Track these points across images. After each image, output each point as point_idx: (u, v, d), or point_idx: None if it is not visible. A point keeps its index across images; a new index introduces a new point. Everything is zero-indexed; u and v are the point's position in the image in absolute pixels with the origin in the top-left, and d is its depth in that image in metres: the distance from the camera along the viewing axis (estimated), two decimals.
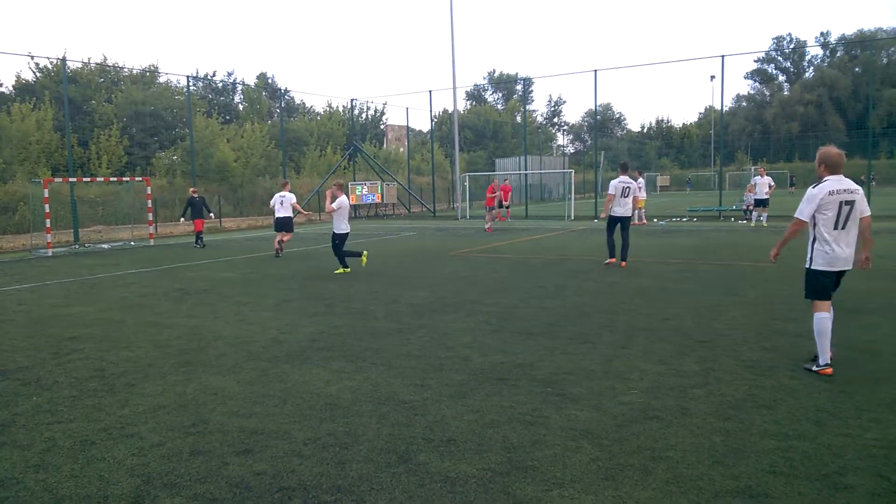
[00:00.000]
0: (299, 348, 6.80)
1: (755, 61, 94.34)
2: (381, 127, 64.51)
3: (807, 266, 5.77)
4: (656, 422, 4.49)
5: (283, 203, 16.10)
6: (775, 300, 8.77)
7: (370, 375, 5.74)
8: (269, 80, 73.46)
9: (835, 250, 5.53)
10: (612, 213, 12.51)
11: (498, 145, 73.22)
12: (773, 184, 23.07)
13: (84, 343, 7.26)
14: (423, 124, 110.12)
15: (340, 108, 60.64)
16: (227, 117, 59.08)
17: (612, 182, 12.53)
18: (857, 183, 5.79)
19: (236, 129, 46.31)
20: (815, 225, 5.65)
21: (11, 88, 41.03)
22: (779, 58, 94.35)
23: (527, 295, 9.70)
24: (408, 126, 45.44)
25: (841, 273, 5.71)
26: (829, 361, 5.47)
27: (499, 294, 9.83)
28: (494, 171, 52.02)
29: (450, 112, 67.59)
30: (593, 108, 33.57)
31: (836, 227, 5.52)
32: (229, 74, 74.76)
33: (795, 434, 4.19)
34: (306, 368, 6.03)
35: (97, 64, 43.29)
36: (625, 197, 12.47)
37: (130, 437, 4.42)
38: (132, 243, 21.49)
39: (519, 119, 78.92)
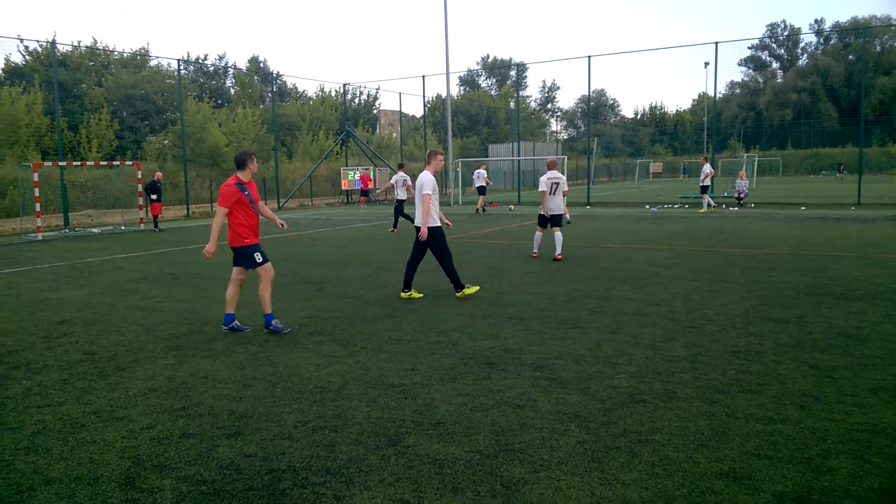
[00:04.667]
0: (290, 332, 6.81)
1: (749, 48, 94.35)
2: (374, 112, 64.26)
3: None
4: (643, 405, 4.53)
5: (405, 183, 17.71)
6: (763, 286, 8.84)
7: (361, 359, 5.77)
8: (261, 64, 72.92)
9: None
10: (542, 212, 11.91)
11: (491, 131, 73.06)
12: (711, 171, 24.37)
13: (74, 327, 7.26)
14: (415, 109, 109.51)
15: (333, 93, 60.33)
16: (219, 101, 58.70)
17: (542, 178, 11.87)
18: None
19: (228, 113, 46.06)
20: None
21: (1, 72, 40.60)
22: (773, 45, 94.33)
23: (518, 280, 9.74)
24: (401, 111, 45.28)
25: None
26: None
27: (490, 279, 9.87)
28: (487, 156, 51.94)
29: (443, 97, 67.40)
30: (587, 94, 33.53)
31: None
32: (221, 58, 74.16)
33: (780, 418, 4.25)
34: (297, 352, 6.05)
35: (87, 47, 42.89)
36: (553, 194, 11.82)
37: (121, 420, 4.43)
38: (122, 227, 21.39)
39: (512, 105, 78.70)
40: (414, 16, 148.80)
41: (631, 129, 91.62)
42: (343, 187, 36.30)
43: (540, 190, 11.79)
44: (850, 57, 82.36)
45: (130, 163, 23.55)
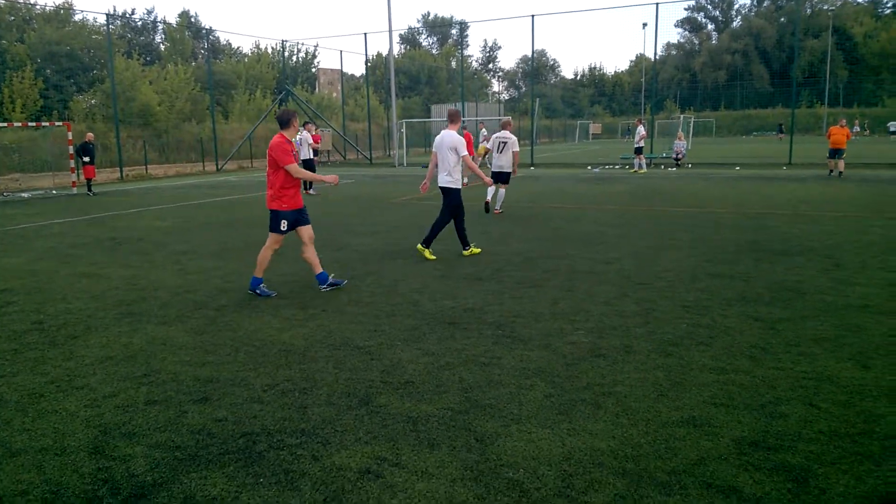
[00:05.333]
0: (246, 297, 6.73)
1: (685, 9, 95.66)
2: (313, 70, 62.73)
3: None
4: (603, 360, 4.70)
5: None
6: (706, 244, 9.17)
7: (323, 322, 5.76)
8: (193, 19, 69.98)
9: None
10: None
11: (433, 91, 72.45)
12: (644, 133, 25.04)
13: (17, 296, 6.97)
14: (356, 68, 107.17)
15: (270, 50, 58.53)
16: (149, 58, 56.20)
17: (492, 136, 12.43)
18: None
19: (158, 70, 44.19)
20: None
21: None
22: (708, 6, 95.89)
23: (471, 241, 9.80)
24: (342, 70, 44.37)
25: None
26: None
27: (443, 241, 9.90)
28: (430, 117, 51.58)
29: (384, 56, 66.22)
30: (529, 54, 33.57)
31: None
32: (149, 12, 70.80)
33: (732, 368, 4.47)
34: (256, 316, 5.99)
35: (6, 1, 40.22)
36: (500, 152, 12.25)
37: (80, 389, 4.33)
38: (54, 192, 20.48)
39: (454, 64, 78.10)
40: None
41: (571, 90, 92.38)
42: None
43: (487, 146, 12.01)
44: (782, 19, 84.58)
45: (60, 123, 22.42)
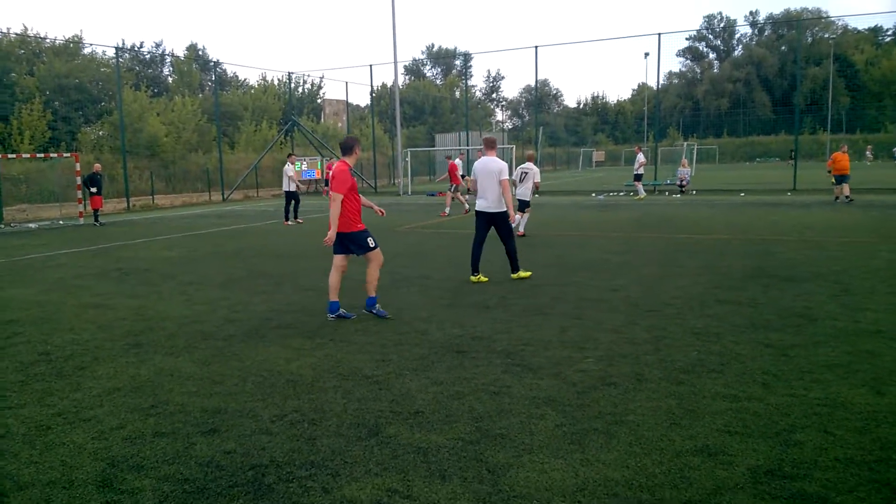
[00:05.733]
0: (253, 327, 6.71)
1: (687, 39, 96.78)
2: (319, 101, 63.36)
3: None
4: (614, 388, 4.65)
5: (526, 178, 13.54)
6: (713, 270, 9.14)
7: (330, 352, 5.73)
8: (200, 52, 71.05)
9: None
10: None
11: (437, 120, 73.05)
12: (644, 160, 25.34)
13: (24, 326, 6.97)
14: (361, 99, 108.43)
15: (276, 82, 59.23)
16: (157, 90, 56.93)
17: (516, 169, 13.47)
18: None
19: (166, 102, 44.70)
20: None
21: None
22: (710, 36, 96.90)
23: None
24: (347, 101, 44.81)
25: None
26: None
27: (450, 268, 9.91)
28: (435, 146, 51.91)
29: (389, 86, 66.92)
30: (532, 83, 33.88)
31: None
32: (157, 45, 71.95)
33: (745, 395, 4.42)
34: (263, 346, 5.97)
35: (17, 35, 40.99)
36: (522, 182, 13.21)
37: (88, 421, 4.30)
38: (61, 222, 20.59)
39: (458, 94, 78.83)
40: (358, 2, 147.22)
41: (574, 118, 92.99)
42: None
43: (511, 178, 12.31)
44: (783, 48, 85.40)
45: (68, 154, 22.64)
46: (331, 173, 6.80)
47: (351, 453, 3.73)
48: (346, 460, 3.65)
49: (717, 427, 3.93)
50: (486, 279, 8.87)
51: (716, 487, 3.24)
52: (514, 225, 10.08)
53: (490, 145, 8.74)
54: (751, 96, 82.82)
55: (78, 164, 20.62)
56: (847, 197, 20.22)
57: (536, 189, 13.49)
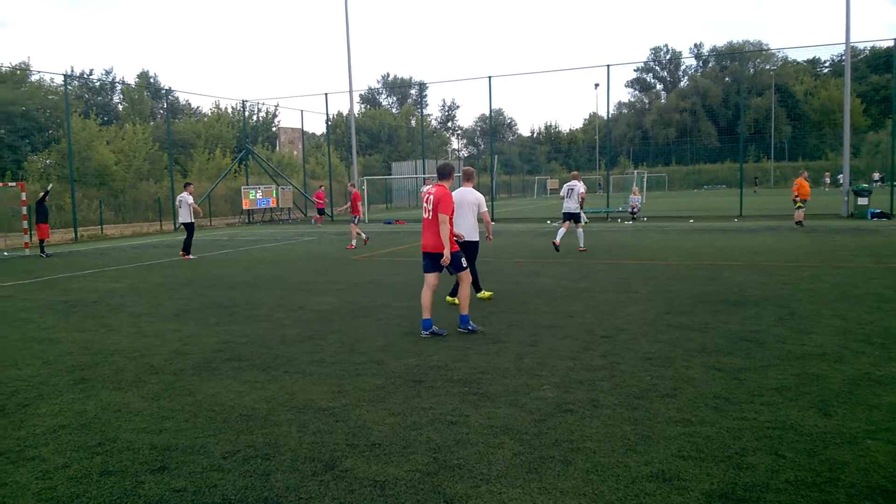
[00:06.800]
0: (205, 360, 6.56)
1: (635, 70, 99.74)
2: (274, 129, 63.05)
3: None
4: (570, 415, 4.68)
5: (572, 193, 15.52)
6: (665, 295, 9.32)
7: (284, 384, 5.63)
8: (152, 79, 70.15)
9: None
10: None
11: (393, 148, 73.35)
12: (584, 188, 25.57)
13: None
14: (317, 127, 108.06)
15: (230, 110, 58.79)
16: (106, 118, 55.86)
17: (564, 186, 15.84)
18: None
19: (116, 130, 43.90)
20: None
21: None
22: (656, 67, 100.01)
23: (434, 297, 9.77)
24: (302, 129, 44.66)
25: None
26: None
27: (406, 297, 9.88)
28: (391, 174, 52.06)
29: (345, 115, 67.01)
30: (487, 113, 34.38)
31: None
32: (108, 73, 70.77)
33: (698, 420, 4.50)
34: (215, 380, 5.83)
35: None
36: (568, 197, 15.43)
37: (31, 460, 4.12)
38: (6, 253, 19.88)
39: (414, 123, 79.37)
40: (313, 32, 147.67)
41: (528, 147, 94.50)
42: (244, 206, 35.23)
43: (560, 195, 15.79)
44: (727, 79, 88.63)
45: (14, 184, 21.95)
46: (432, 198, 7.16)
47: (306, 489, 3.65)
48: (301, 496, 3.57)
49: (671, 452, 3.98)
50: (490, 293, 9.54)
51: None
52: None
53: (468, 177, 8.94)
54: (697, 126, 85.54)
55: (24, 194, 19.99)
56: (798, 223, 20.96)
57: (582, 200, 15.57)
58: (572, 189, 15.42)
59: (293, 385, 5.59)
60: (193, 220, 17.23)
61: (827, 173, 61.63)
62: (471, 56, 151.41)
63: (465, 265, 7.38)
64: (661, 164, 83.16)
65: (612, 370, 5.75)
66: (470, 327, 7.39)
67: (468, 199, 8.70)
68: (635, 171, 53.84)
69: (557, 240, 14.96)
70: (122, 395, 5.45)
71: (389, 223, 30.40)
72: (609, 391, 5.17)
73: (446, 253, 7.07)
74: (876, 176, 55.62)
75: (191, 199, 17.11)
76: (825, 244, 15.60)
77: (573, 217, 15.36)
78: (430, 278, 7.32)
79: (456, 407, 4.91)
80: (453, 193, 8.87)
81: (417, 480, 3.71)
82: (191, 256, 16.91)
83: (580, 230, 15.80)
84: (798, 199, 21.19)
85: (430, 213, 7.15)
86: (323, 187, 33.47)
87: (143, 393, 5.50)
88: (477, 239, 8.83)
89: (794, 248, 14.95)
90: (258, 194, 35.24)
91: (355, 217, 18.52)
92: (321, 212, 31.99)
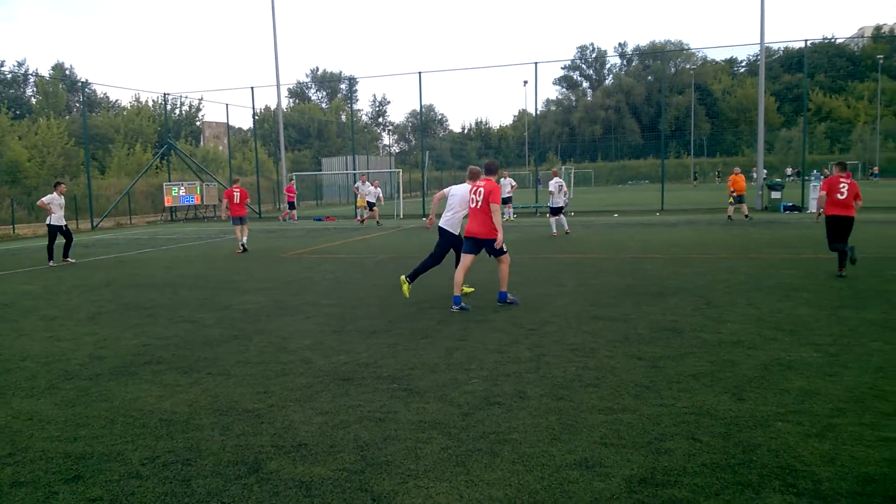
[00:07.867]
0: (123, 363, 6.31)
1: (562, 68, 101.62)
2: (198, 124, 61.19)
3: None
4: (498, 407, 4.74)
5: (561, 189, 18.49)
6: (590, 288, 9.56)
7: (207, 386, 5.48)
8: (67, 72, 66.92)
9: None
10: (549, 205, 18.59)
11: (323, 144, 72.37)
12: (514, 184, 27.04)
13: None
14: (243, 122, 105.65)
15: (150, 103, 56.70)
16: (18, 112, 52.99)
17: (550, 182, 18.84)
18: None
19: (29, 125, 41.69)
20: None
21: None
22: (583, 65, 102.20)
23: (364, 294, 9.74)
24: (228, 123, 43.48)
25: None
26: None
27: (336, 294, 9.79)
28: (321, 170, 51.37)
29: (272, 109, 65.68)
30: (418, 108, 34.39)
31: None
32: (20, 64, 67.09)
33: (619, 408, 4.63)
34: (134, 384, 5.62)
35: None
36: (559, 193, 18.47)
37: None
38: None
39: (344, 118, 78.56)
40: (239, 24, 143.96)
41: (459, 143, 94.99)
42: (166, 204, 34.06)
43: (549, 190, 18.51)
44: (650, 78, 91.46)
45: None
46: (482, 190, 8.13)
47: (229, 493, 3.57)
48: (223, 501, 3.48)
49: (594, 440, 4.09)
50: (472, 289, 9.44)
51: (594, 499, 3.36)
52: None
53: (473, 176, 8.86)
54: (622, 123, 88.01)
55: None
56: (746, 216, 21.79)
57: (511, 191, 20.79)
58: (561, 185, 18.32)
59: (216, 387, 5.44)
60: (61, 226, 15.54)
61: (755, 169, 64.56)
62: (402, 51, 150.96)
63: (505, 249, 8.24)
64: (588, 160, 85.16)
65: (538, 362, 5.85)
66: (510, 300, 8.47)
67: (462, 194, 8.80)
68: (563, 167, 54.93)
69: (554, 231, 18.22)
70: (34, 403, 5.19)
71: (320, 220, 30.01)
72: (535, 383, 5.27)
73: (499, 237, 8.03)
74: (788, 171, 58.62)
75: (62, 201, 15.62)
76: (740, 237, 16.33)
77: (559, 210, 18.28)
78: (467, 259, 8.35)
79: (384, 404, 4.90)
80: (453, 187, 9.19)
81: (344, 479, 3.68)
82: (52, 263, 15.10)
83: (563, 219, 18.61)
84: (734, 194, 22.02)
85: (479, 203, 8.13)
86: (293, 180, 32.76)
87: (57, 400, 5.26)
88: (450, 229, 8.95)
89: (711, 240, 15.58)
90: (181, 191, 34.14)
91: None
92: (292, 205, 31.21)
